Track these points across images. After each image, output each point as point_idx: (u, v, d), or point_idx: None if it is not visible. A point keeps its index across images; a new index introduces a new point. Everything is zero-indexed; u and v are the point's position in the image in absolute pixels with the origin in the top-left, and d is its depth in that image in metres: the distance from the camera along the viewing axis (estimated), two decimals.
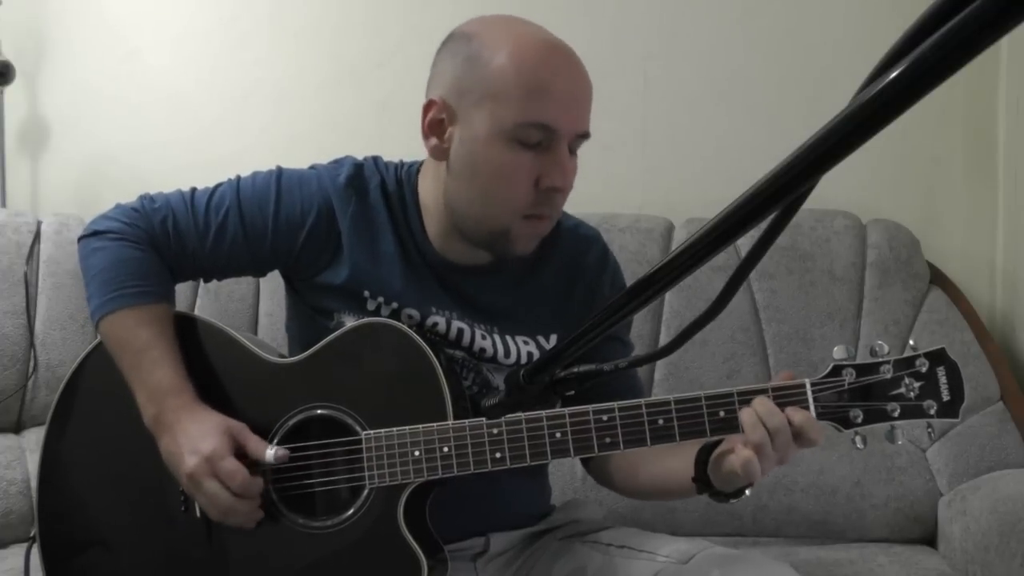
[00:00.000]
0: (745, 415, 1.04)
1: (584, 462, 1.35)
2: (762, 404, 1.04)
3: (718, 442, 1.10)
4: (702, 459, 1.12)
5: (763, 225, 0.51)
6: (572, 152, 1.15)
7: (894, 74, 0.38)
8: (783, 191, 0.45)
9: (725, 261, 1.80)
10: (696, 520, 1.76)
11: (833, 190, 1.96)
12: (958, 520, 1.66)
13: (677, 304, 1.88)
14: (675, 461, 1.17)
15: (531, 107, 1.09)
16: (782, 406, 1.05)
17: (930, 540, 1.76)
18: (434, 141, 1.16)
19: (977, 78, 2.01)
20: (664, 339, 1.87)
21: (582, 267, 1.29)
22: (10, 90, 2.14)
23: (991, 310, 2.02)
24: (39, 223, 1.94)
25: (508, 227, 1.15)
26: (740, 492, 1.11)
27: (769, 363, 1.86)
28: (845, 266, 1.88)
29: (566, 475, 1.76)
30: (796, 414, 1.03)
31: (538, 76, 1.09)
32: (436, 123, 1.15)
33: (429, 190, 1.22)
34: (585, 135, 1.15)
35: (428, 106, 1.15)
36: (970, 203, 2.06)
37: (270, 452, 1.12)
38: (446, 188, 1.18)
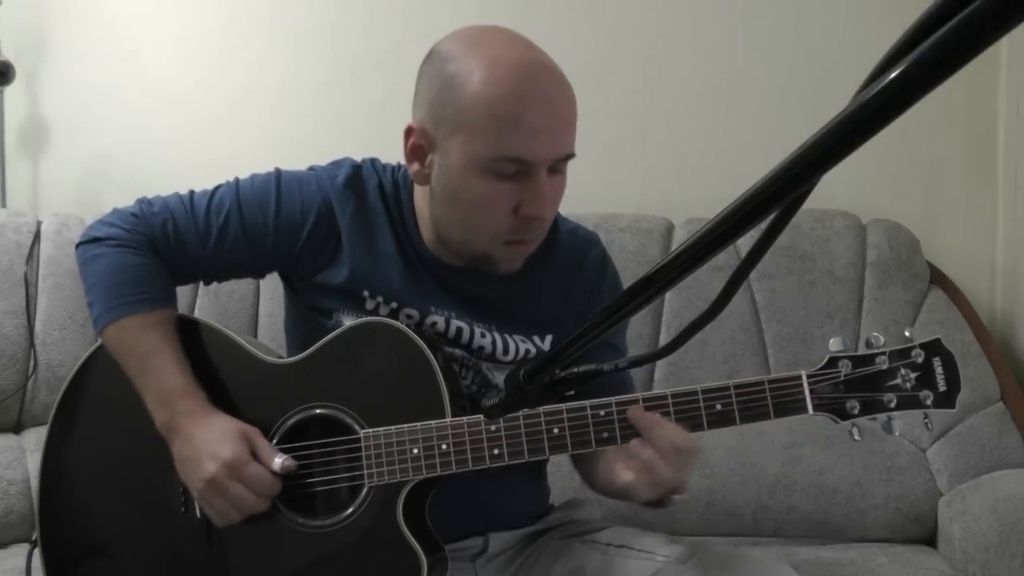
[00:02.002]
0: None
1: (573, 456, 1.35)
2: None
3: None
4: None
5: (763, 225, 0.51)
6: (557, 172, 1.13)
7: (894, 74, 0.38)
8: (783, 191, 0.45)
9: (725, 261, 1.80)
10: (696, 520, 1.76)
11: (833, 190, 1.97)
12: (958, 520, 1.66)
13: (677, 304, 1.88)
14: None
15: (503, 141, 1.07)
16: (779, 401, 1.07)
17: (930, 540, 1.76)
18: (416, 166, 1.16)
19: (977, 78, 2.01)
20: (664, 339, 1.87)
21: (580, 271, 1.28)
22: (10, 90, 2.14)
23: (991, 310, 2.02)
24: (39, 223, 1.94)
25: (488, 252, 1.16)
26: (667, 498, 1.11)
27: (769, 363, 1.86)
28: (845, 266, 1.88)
29: (565, 475, 1.75)
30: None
31: (510, 108, 1.06)
32: (417, 148, 1.15)
33: (421, 199, 1.22)
34: (568, 156, 1.12)
35: (408, 131, 1.15)
36: (970, 203, 2.06)
37: (277, 461, 1.12)
38: (432, 210, 1.18)
